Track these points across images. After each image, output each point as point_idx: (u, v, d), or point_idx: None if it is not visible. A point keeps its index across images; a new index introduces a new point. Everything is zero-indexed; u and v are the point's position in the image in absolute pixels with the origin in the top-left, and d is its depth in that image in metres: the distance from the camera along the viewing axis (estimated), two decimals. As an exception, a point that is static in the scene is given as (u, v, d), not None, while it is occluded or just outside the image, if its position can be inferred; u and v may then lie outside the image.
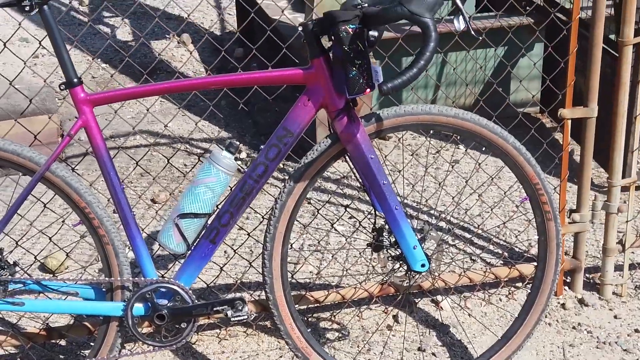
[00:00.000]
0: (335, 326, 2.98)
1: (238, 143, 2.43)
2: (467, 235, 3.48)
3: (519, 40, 3.71)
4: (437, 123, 2.47)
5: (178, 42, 5.54)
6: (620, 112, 2.95)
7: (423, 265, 2.49)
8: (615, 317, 3.05)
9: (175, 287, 2.44)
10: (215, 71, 5.26)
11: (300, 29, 2.34)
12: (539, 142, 3.25)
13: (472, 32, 2.25)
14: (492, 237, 3.48)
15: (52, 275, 3.20)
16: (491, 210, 3.60)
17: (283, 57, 3.13)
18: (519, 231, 3.50)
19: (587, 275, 3.24)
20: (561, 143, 4.29)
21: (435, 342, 2.91)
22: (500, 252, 3.38)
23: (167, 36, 5.57)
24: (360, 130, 2.38)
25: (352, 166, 2.49)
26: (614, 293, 3.17)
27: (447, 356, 2.86)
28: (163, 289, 2.44)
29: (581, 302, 3.12)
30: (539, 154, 3.11)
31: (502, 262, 3.27)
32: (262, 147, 2.43)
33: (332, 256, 3.33)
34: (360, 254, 3.29)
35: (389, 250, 2.56)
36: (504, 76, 4.27)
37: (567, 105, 2.96)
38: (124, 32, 5.66)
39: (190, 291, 2.45)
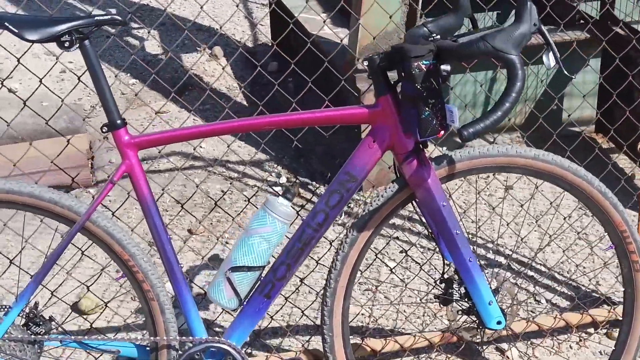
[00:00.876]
0: (395, 378, 2.75)
1: (295, 190, 2.20)
2: (531, 273, 3.24)
3: (573, 56, 3.46)
4: (514, 165, 2.24)
5: (209, 56, 5.32)
6: None
7: (499, 323, 2.26)
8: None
9: (227, 347, 2.21)
10: (248, 87, 5.04)
11: (365, 63, 2.11)
12: (596, 165, 2.98)
13: (565, 72, 2.01)
14: (557, 274, 3.24)
15: (84, 316, 2.98)
16: (551, 239, 3.35)
17: (324, 74, 2.91)
18: (585, 268, 3.25)
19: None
20: (620, 166, 4.06)
21: (503, 396, 2.68)
22: (567, 291, 3.14)
23: (198, 49, 5.35)
24: (431, 175, 2.15)
25: (419, 213, 2.25)
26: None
27: (517, 413, 2.63)
28: (213, 349, 2.21)
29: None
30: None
31: (570, 304, 3.03)
32: (322, 193, 2.20)
33: (390, 302, 3.10)
34: (420, 300, 3.05)
35: (459, 304, 2.33)
36: (556, 94, 4.02)
37: (647, 138, 2.72)
38: (153, 45, 5.45)
39: (243, 350, 2.23)
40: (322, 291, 2.28)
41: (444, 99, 2.08)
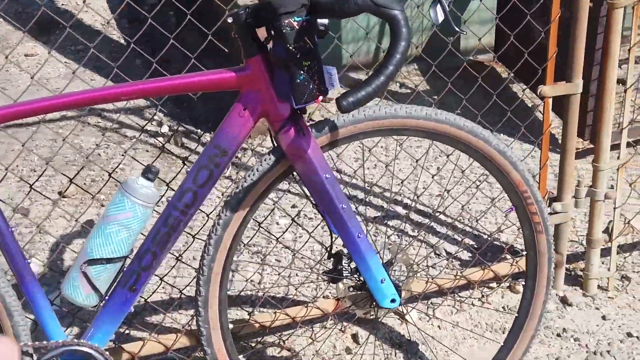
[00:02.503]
0: (285, 354, 2.53)
1: (158, 167, 1.92)
2: (432, 224, 3.04)
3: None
4: (405, 127, 2.00)
5: (82, -12, 4.88)
6: (609, 88, 2.51)
7: (393, 301, 2.05)
8: (603, 317, 2.67)
9: (87, 349, 1.94)
10: (126, 22, 4.65)
11: (230, 20, 1.81)
12: (493, 94, 2.75)
13: (455, 27, 1.76)
14: (458, 223, 3.06)
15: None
16: (447, 191, 3.16)
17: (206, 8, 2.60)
18: (486, 216, 3.08)
19: (567, 265, 2.85)
20: (519, 96, 3.87)
21: (403, 366, 2.50)
22: (469, 241, 2.96)
23: (69, -19, 4.90)
24: (311, 144, 1.89)
25: (303, 186, 2.00)
26: (599, 287, 2.79)
27: (418, 384, 2.45)
28: (72, 353, 1.94)
29: (564, 301, 2.73)
30: (491, 110, 2.70)
31: (471, 256, 2.85)
32: (188, 170, 1.93)
33: (279, 274, 2.87)
34: (311, 269, 2.82)
35: (349, 279, 2.11)
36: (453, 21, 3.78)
37: (548, 80, 2.51)
38: (19, -22, 4.97)
39: (107, 352, 1.97)
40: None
41: (321, 59, 1.81)
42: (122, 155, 3.42)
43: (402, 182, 3.06)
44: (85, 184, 3.29)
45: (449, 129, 2.01)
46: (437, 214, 3.08)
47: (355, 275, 2.09)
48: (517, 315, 2.25)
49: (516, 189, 2.10)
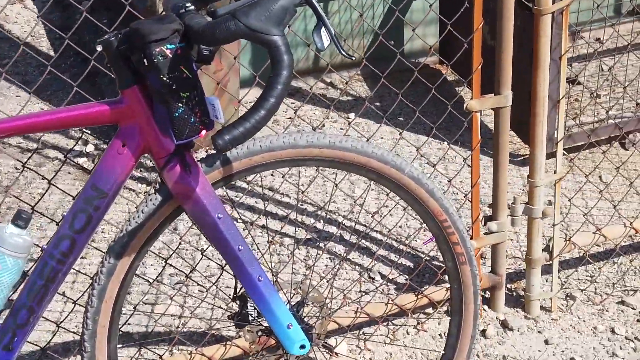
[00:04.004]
0: (203, 397, 2.35)
1: (30, 212, 1.73)
2: (366, 244, 2.86)
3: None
4: (307, 158, 1.82)
5: (11, -2, 4.66)
6: (541, 97, 2.34)
7: (303, 347, 1.86)
8: (546, 342, 2.51)
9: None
10: (56, 33, 4.43)
11: (99, 47, 1.62)
12: (441, 101, 2.57)
13: (343, 53, 1.57)
14: (395, 242, 2.88)
15: None
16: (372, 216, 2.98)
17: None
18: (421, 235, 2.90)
19: (509, 285, 2.69)
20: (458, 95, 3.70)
21: (330, 405, 2.33)
22: (405, 262, 2.79)
23: (-2, -10, 4.67)
24: (200, 181, 1.71)
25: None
26: (542, 308, 2.62)
27: None
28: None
29: (505, 325, 2.56)
30: (437, 115, 2.51)
31: (408, 277, 2.68)
32: (64, 214, 1.74)
33: (191, 313, 2.68)
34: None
35: (256, 324, 1.93)
36: (394, 23, 3.60)
37: (475, 93, 2.33)
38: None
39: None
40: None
41: (202, 89, 1.63)
42: (42, 179, 3.22)
43: (334, 188, 2.88)
44: (0, 211, 3.09)
45: (356, 158, 1.83)
46: (372, 233, 2.91)
47: (262, 320, 1.91)
48: (443, 352, 2.07)
49: (435, 218, 1.93)
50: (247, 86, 3.55)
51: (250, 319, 1.91)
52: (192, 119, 1.61)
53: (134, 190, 3.20)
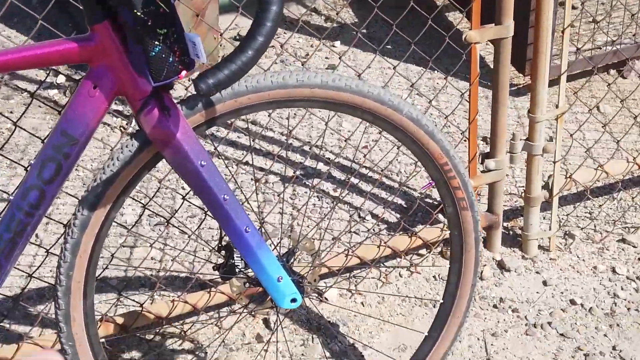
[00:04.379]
0: (187, 346, 2.23)
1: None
2: (355, 181, 2.73)
3: None
4: (297, 98, 1.67)
5: None
6: (545, 27, 2.18)
7: (294, 300, 1.74)
8: (544, 283, 2.41)
9: None
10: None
11: (65, -22, 1.45)
12: (430, 27, 2.39)
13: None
14: (386, 179, 2.75)
15: None
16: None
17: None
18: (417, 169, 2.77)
19: (505, 224, 2.57)
20: (455, 26, 3.53)
21: (321, 353, 2.21)
22: (398, 201, 2.66)
23: None
24: (180, 126, 1.55)
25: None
26: (540, 247, 2.51)
27: (338, 373, 2.18)
28: None
29: (501, 266, 2.45)
30: (426, 43, 2.34)
31: (400, 216, 2.56)
32: (32, 162, 1.58)
33: (173, 259, 2.54)
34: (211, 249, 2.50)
35: (244, 276, 1.80)
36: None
37: (474, 23, 2.17)
38: None
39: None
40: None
41: (181, 25, 1.46)
42: (10, 112, 3.05)
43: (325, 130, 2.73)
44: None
45: (350, 98, 1.68)
46: (362, 169, 2.77)
47: (250, 270, 1.79)
48: (442, 301, 1.96)
49: (435, 161, 1.79)
50: (227, 12, 3.36)
51: (237, 270, 1.79)
52: (171, 59, 1.45)
53: (108, 125, 3.03)
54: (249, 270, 1.78)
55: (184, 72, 1.48)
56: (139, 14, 1.39)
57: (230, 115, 1.65)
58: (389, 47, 3.41)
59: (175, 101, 1.57)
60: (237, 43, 3.08)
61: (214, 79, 1.35)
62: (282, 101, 1.66)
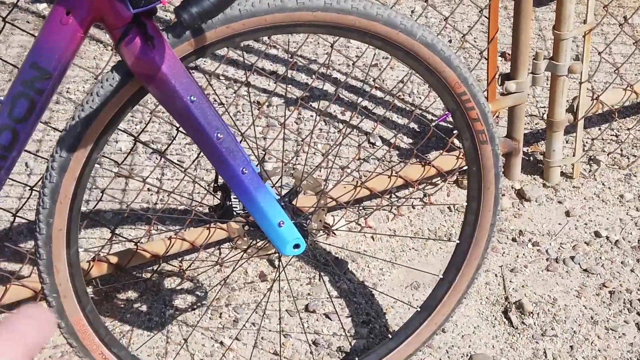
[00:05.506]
0: (186, 285, 2.10)
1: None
2: (365, 104, 2.55)
3: None
4: (297, 23, 1.48)
5: None
6: None
7: (297, 246, 1.59)
8: (567, 214, 2.25)
9: None
10: None
11: None
12: None
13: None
14: (397, 101, 2.56)
15: None
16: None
17: None
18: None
19: (525, 149, 2.40)
20: None
21: (329, 290, 2.08)
22: (410, 124, 2.48)
23: None
24: (166, 56, 1.38)
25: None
26: (562, 174, 2.35)
27: (347, 314, 2.04)
28: None
29: (521, 195, 2.29)
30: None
31: (405, 143, 2.38)
32: (1, 99, 1.41)
33: (168, 195, 2.38)
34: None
35: (243, 217, 1.65)
36: None
37: None
38: None
39: None
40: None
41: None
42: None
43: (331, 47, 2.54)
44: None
45: (357, 21, 1.49)
46: (372, 90, 2.58)
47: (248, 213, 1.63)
48: (458, 242, 1.80)
49: (451, 90, 1.61)
50: None
51: (235, 213, 1.64)
52: (151, -20, 1.27)
53: (99, 42, 2.84)
54: (247, 215, 1.63)
55: (166, -3, 1.30)
56: None
57: (223, 43, 1.47)
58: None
59: (160, 29, 1.39)
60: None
61: (198, 7, 1.17)
62: (280, 26, 1.47)
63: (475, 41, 2.76)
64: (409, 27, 1.52)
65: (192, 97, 1.41)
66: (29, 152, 2.01)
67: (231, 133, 1.47)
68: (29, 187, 1.91)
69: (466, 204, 1.76)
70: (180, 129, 1.55)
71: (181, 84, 1.40)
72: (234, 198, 1.62)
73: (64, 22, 1.35)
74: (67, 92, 2.65)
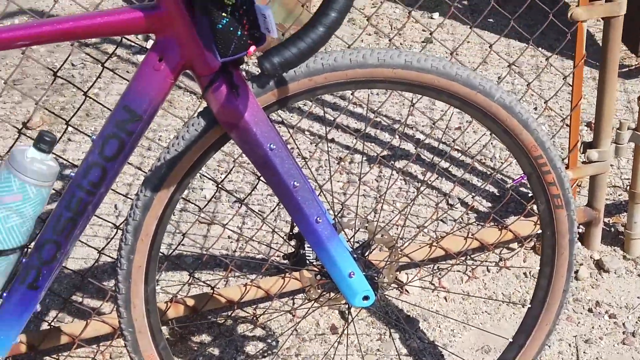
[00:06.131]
0: (258, 332, 2.13)
1: (53, 135, 1.48)
2: (446, 165, 2.57)
3: None
4: (377, 79, 1.52)
5: None
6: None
7: (366, 298, 1.61)
8: (646, 287, 2.22)
9: (-17, 359, 1.57)
10: None
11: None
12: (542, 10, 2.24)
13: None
14: (478, 164, 2.58)
15: None
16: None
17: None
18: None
19: (606, 220, 2.37)
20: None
21: (399, 348, 2.08)
22: (489, 188, 2.49)
23: None
24: (249, 106, 1.44)
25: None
26: (643, 247, 2.31)
27: (415, 373, 2.04)
28: (-36, 364, 1.58)
29: (599, 266, 2.27)
30: (528, 16, 2.16)
31: (492, 205, 2.39)
32: (93, 137, 1.49)
33: (246, 241, 2.44)
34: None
35: (314, 267, 1.69)
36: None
37: None
38: None
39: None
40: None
41: (252, -5, 1.34)
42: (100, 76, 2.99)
43: (411, 105, 2.57)
44: (53, 113, 2.88)
45: (437, 80, 1.53)
46: (454, 153, 2.61)
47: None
48: (529, 306, 1.80)
49: (528, 153, 1.62)
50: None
51: (308, 261, 1.67)
52: (239, 32, 1.33)
53: (193, 94, 2.95)
54: (319, 262, 1.66)
55: (252, 48, 1.36)
56: (206, -21, 1.28)
57: (304, 95, 1.52)
58: (490, 20, 3.22)
59: (245, 79, 1.45)
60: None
61: (280, 57, 1.22)
62: (361, 81, 1.52)
63: (560, 110, 2.76)
64: (487, 88, 1.55)
65: (271, 145, 1.46)
66: (119, 193, 2.10)
67: (308, 183, 1.51)
68: (115, 227, 1.98)
69: (539, 268, 1.76)
70: (261, 177, 1.60)
71: (262, 132, 1.46)
72: (308, 247, 1.66)
73: (156, 68, 1.42)
74: (159, 139, 2.75)
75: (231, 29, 1.33)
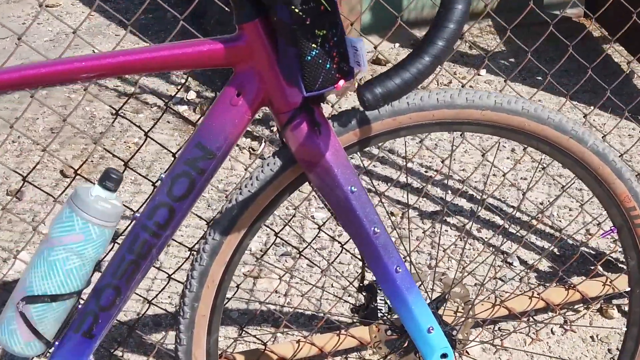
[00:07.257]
0: (312, 392, 2.01)
1: (120, 172, 1.39)
2: (506, 226, 2.47)
3: None
4: (464, 120, 1.43)
5: None
6: None
7: (445, 356, 1.50)
8: None
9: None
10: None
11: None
12: (585, 57, 2.15)
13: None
14: (536, 227, 2.48)
15: None
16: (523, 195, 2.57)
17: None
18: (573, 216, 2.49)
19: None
20: (614, 60, 3.23)
21: (460, 413, 1.95)
22: (551, 250, 2.38)
23: None
24: (331, 145, 1.35)
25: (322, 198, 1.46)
26: None
27: None
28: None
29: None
30: (581, 77, 2.07)
31: (552, 268, 2.27)
32: (162, 176, 1.40)
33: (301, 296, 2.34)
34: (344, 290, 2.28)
35: (386, 322, 1.57)
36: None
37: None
38: None
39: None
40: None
41: (343, 28, 1.26)
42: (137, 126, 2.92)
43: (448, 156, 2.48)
44: (92, 161, 2.80)
45: (527, 124, 1.44)
46: (512, 211, 2.51)
47: (393, 316, 1.56)
48: (613, 369, 1.68)
49: (620, 204, 1.52)
50: (368, 34, 3.17)
51: (379, 315, 1.56)
52: (328, 65, 1.25)
53: (237, 145, 2.87)
54: (393, 315, 1.55)
55: (341, 82, 1.28)
56: (297, 10, 1.20)
57: (388, 135, 1.43)
58: (539, 78, 3.14)
59: (326, 117, 1.36)
60: (375, 67, 2.88)
61: (382, 88, 1.13)
62: (447, 123, 1.43)
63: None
64: (580, 134, 1.46)
65: (352, 188, 1.37)
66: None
67: (386, 229, 1.41)
68: (167, 276, 1.88)
69: (625, 329, 1.64)
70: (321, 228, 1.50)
71: (343, 173, 1.36)
72: (380, 299, 1.56)
73: (233, 103, 1.33)
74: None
75: (320, 61, 1.25)
